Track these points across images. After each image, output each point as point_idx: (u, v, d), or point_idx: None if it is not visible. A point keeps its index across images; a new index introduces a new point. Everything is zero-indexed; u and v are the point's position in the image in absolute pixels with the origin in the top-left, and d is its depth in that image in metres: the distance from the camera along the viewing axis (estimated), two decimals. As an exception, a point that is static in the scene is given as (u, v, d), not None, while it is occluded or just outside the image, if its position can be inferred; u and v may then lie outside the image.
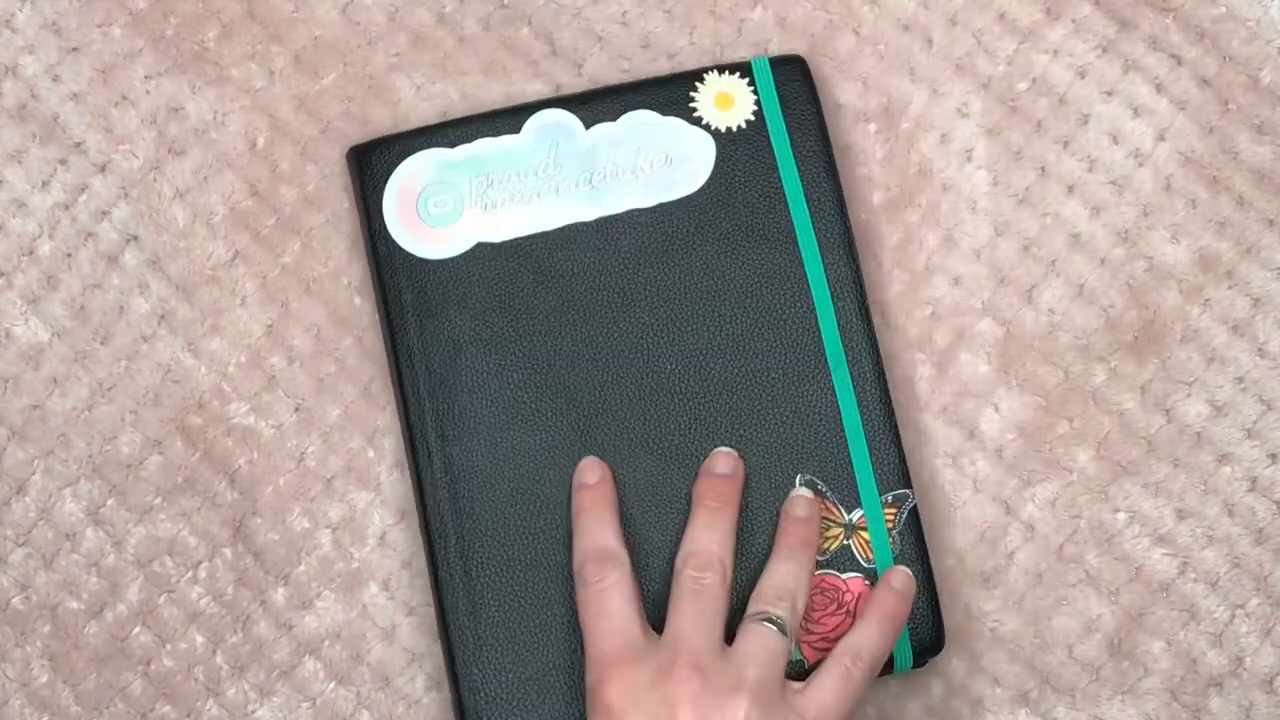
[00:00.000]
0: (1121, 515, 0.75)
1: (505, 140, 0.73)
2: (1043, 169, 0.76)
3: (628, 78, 0.76)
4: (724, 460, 0.71)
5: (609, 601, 0.67)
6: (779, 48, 0.76)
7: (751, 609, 0.68)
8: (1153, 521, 0.75)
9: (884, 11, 0.76)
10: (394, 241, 0.72)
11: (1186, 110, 0.76)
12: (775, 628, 0.66)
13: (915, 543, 0.72)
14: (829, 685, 0.67)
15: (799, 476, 0.72)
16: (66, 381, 0.74)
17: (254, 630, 0.73)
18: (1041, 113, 0.76)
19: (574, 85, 0.76)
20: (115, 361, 0.74)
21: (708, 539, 0.69)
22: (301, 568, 0.74)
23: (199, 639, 0.73)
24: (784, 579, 0.68)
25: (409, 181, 0.73)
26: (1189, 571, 0.74)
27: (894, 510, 0.72)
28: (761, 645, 0.66)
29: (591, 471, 0.71)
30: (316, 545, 0.74)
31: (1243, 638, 0.74)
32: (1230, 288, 0.75)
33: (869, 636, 0.68)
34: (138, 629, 0.73)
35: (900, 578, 0.70)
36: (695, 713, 0.63)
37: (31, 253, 0.75)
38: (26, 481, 0.74)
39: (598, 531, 0.69)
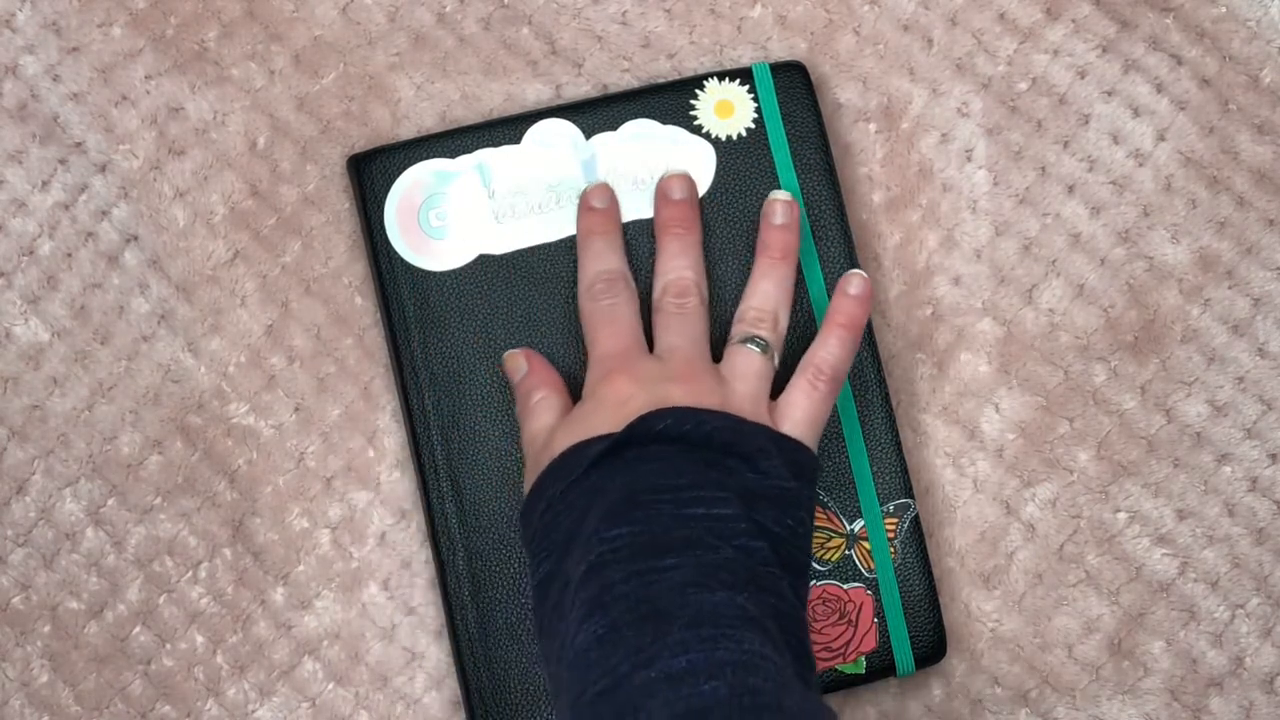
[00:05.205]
0: (1122, 515, 0.74)
1: (505, 150, 0.73)
2: (1043, 169, 0.76)
3: (628, 78, 0.76)
4: (679, 184, 0.71)
5: (619, 313, 0.69)
6: (779, 47, 0.76)
7: (735, 332, 0.69)
8: (1153, 521, 0.74)
9: (884, 11, 0.76)
10: (396, 254, 0.72)
11: (1187, 110, 0.76)
12: (758, 349, 0.67)
13: (917, 552, 0.72)
14: (796, 401, 0.67)
15: None
16: (66, 381, 0.74)
17: (254, 630, 0.73)
18: (1041, 113, 0.76)
19: (574, 85, 0.76)
20: (115, 361, 0.74)
21: (680, 266, 0.70)
22: (301, 568, 0.74)
23: (199, 639, 0.73)
24: (763, 299, 0.69)
25: (410, 193, 0.72)
26: (1189, 571, 0.74)
27: (895, 520, 0.72)
28: (745, 364, 0.67)
29: (599, 196, 0.71)
30: (316, 545, 0.74)
31: (1243, 638, 0.74)
32: (1230, 288, 0.75)
33: (829, 348, 0.68)
34: (138, 629, 0.73)
35: (857, 283, 0.70)
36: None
37: (31, 253, 0.75)
38: (26, 481, 0.74)
39: (609, 254, 0.70)
